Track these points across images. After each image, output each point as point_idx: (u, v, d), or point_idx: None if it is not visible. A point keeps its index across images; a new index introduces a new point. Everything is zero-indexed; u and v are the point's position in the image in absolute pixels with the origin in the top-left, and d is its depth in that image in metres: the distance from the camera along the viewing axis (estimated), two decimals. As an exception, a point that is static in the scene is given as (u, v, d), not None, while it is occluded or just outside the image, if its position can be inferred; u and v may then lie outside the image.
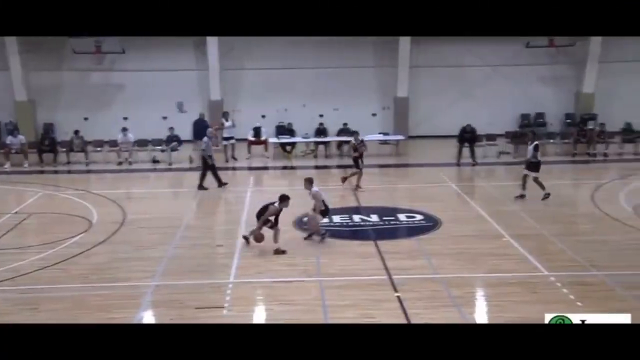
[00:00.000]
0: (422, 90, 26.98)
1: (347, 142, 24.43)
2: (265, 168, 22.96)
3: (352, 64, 26.90)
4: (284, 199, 13.12)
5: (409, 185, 19.83)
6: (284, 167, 23.05)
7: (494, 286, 11.31)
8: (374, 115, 27.40)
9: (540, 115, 27.16)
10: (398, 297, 10.67)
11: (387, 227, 14.91)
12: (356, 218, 15.61)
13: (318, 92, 27.01)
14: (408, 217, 15.61)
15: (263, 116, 26.45)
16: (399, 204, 17.11)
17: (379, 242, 13.61)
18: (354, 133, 19.89)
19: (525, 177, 17.17)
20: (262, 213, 13.24)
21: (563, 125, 26.81)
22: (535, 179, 17.07)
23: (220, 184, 19.22)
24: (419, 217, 15.54)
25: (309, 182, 14.03)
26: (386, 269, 12.06)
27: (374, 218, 15.61)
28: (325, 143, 24.89)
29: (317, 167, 23.19)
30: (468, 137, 22.77)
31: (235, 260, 12.66)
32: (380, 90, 27.36)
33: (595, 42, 25.94)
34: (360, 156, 18.84)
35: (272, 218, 13.14)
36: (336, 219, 15.44)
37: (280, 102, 26.97)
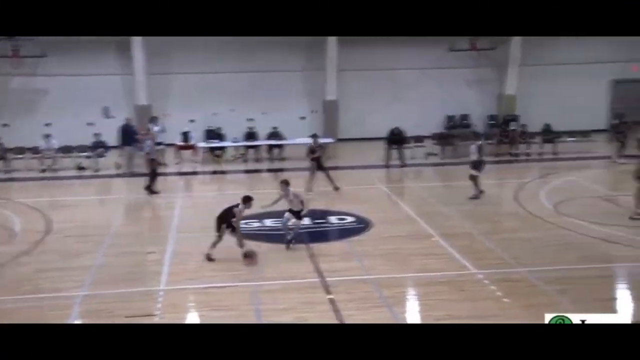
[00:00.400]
0: (351, 93, 27.30)
1: (278, 146, 24.52)
2: (195, 173, 22.77)
3: (281, 67, 26.98)
4: (247, 199, 12.84)
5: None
6: (214, 172, 22.91)
7: (424, 285, 11.57)
8: (303, 118, 27.55)
9: (465, 116, 27.93)
10: (331, 299, 10.78)
11: (319, 230, 15.03)
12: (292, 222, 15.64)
13: (247, 96, 26.97)
14: (339, 219, 15.78)
15: (192, 121, 26.21)
16: (330, 206, 17.27)
17: (311, 245, 13.70)
18: (313, 136, 19.81)
19: (473, 177, 17.51)
20: (226, 218, 12.85)
21: (487, 126, 27.61)
22: (474, 177, 17.46)
23: (150, 188, 18.96)
24: (350, 219, 15.73)
25: (285, 184, 13.74)
26: (319, 271, 12.17)
27: (306, 221, 15.68)
28: (255, 147, 24.87)
29: (247, 172, 23.17)
30: (396, 139, 23.19)
31: (167, 267, 12.53)
32: (309, 93, 27.54)
33: (516, 46, 26.86)
34: (319, 159, 18.87)
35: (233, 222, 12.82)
36: (268, 222, 15.46)
37: (209, 106, 26.79)
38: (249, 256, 12.65)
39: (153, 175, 19.03)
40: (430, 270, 12.23)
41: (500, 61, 27.35)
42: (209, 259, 12.74)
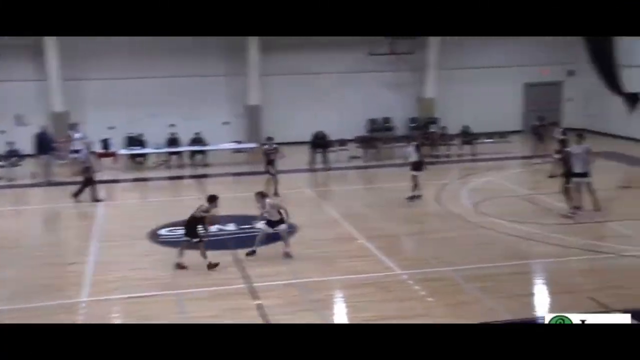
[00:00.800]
0: (274, 97, 27.31)
1: (201, 151, 24.27)
2: (116, 181, 22.24)
3: (202, 72, 26.73)
4: (213, 199, 12.64)
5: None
6: (136, 179, 22.46)
7: (351, 287, 11.71)
8: (226, 123, 27.35)
9: (387, 119, 28.38)
10: (259, 304, 10.77)
11: (245, 235, 14.97)
12: (212, 228, 15.50)
13: (168, 101, 26.56)
14: (266, 224, 15.72)
15: (111, 127, 25.61)
16: (255, 211, 17.17)
17: (238, 251, 13.64)
18: (269, 139, 19.70)
19: (414, 177, 17.77)
20: (195, 221, 12.56)
21: (408, 129, 28.16)
22: (415, 177, 17.74)
23: (76, 196, 18.45)
24: (275, 223, 15.71)
25: (261, 195, 13.44)
26: (246, 277, 12.13)
27: (231, 227, 15.61)
28: (178, 153, 24.54)
29: (170, 178, 22.83)
30: (320, 143, 23.36)
31: (88, 278, 12.21)
32: (231, 98, 27.38)
33: (433, 50, 27.53)
34: (272, 162, 18.72)
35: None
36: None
37: (129, 112, 26.23)
38: (212, 267, 12.45)
39: (87, 183, 18.55)
40: (356, 272, 12.38)
41: (419, 65, 27.95)
42: (212, 265, 12.47)
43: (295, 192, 19.42)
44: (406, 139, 26.21)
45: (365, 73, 27.77)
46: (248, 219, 16.13)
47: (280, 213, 13.27)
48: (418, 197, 17.73)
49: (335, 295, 11.57)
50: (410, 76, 28.35)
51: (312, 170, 22.81)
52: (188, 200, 18.21)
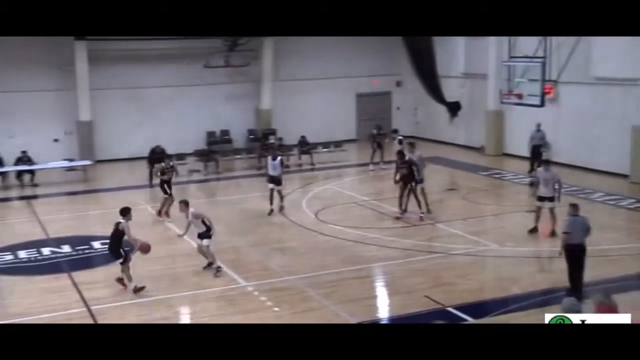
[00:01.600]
0: (107, 113, 26.35)
1: (29, 171, 22.86)
2: None
3: (29, 87, 25.23)
4: (126, 211, 12.13)
5: (101, 211, 19.14)
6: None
7: (196, 303, 11.60)
8: (56, 140, 25.99)
9: (225, 132, 28.31)
10: (100, 328, 10.36)
11: (82, 257, 14.34)
12: (45, 251, 14.73)
13: (-10, 118, 24.81)
14: (103, 244, 15.11)
15: None
16: (92, 231, 16.50)
17: (74, 274, 13.04)
18: (169, 157, 19.13)
19: (272, 191, 17.53)
20: (118, 240, 11.91)
21: (247, 140, 28.29)
22: (280, 191, 17.67)
23: None
24: (114, 243, 15.18)
25: (185, 204, 13.09)
26: (84, 300, 11.63)
27: (66, 249, 14.89)
28: (2, 174, 22.94)
29: (-5, 201, 21.33)
30: (158, 157, 22.80)
31: None
32: (61, 114, 26.04)
33: (267, 63, 27.88)
34: (169, 181, 17.77)
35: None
36: (22, 254, 14.44)
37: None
38: (138, 291, 11.84)
39: None
40: (202, 287, 12.27)
41: (255, 77, 28.20)
42: (138, 289, 11.79)
43: (136, 210, 18.78)
44: (246, 151, 26.41)
45: (202, 86, 27.56)
46: (84, 240, 15.49)
47: (205, 224, 12.98)
48: (272, 211, 17.55)
49: (181, 312, 11.40)
50: (247, 88, 28.54)
51: (152, 186, 22.23)
52: (18, 223, 17.18)
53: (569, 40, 20.96)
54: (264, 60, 27.85)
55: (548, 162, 16.07)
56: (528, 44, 21.39)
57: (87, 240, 15.52)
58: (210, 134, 27.91)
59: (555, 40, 20.95)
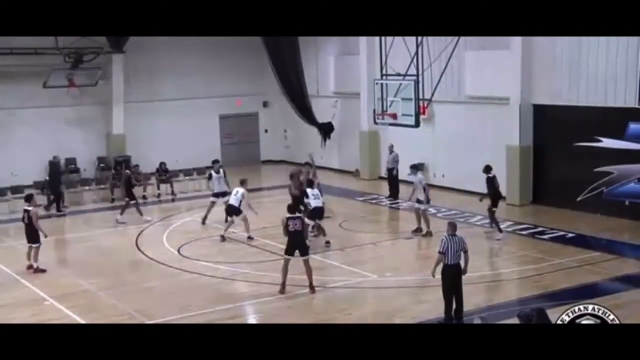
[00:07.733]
0: None
1: None
2: None
3: None
4: (29, 197, 14.42)
5: None
6: None
7: None
8: None
9: (71, 160, 27.18)
10: None
11: None
12: None
13: None
14: None
15: None
16: None
17: None
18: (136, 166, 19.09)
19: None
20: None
21: (97, 169, 27.33)
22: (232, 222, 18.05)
23: None
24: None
25: None
26: None
27: None
28: None
29: None
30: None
31: None
32: None
33: (118, 82, 27.15)
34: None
35: None
36: None
37: None
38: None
39: None
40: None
41: (104, 98, 27.34)
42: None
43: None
44: (95, 181, 25.46)
45: (41, 108, 26.34)
46: None
47: None
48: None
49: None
50: (96, 110, 27.66)
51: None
52: None
53: (442, 57, 21.84)
54: (114, 79, 27.12)
55: (416, 167, 19.04)
56: (400, 61, 22.05)
57: None
58: (53, 164, 26.73)
59: (427, 57, 21.79)
